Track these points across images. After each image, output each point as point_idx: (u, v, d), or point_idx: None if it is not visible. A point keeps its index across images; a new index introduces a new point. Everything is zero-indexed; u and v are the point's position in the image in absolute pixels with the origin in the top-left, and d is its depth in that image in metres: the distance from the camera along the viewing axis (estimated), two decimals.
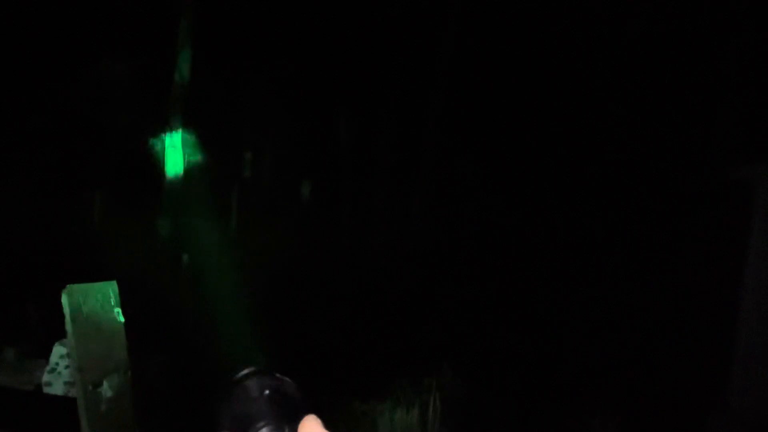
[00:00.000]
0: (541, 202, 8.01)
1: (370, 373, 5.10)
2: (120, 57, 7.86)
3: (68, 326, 3.34)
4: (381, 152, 9.14)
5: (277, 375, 0.56)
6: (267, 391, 0.54)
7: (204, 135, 8.03)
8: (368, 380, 4.80)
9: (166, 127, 7.76)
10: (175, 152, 7.69)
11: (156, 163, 7.80)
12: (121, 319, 3.77)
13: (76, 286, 3.43)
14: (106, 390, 3.70)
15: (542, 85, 8.12)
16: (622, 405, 4.21)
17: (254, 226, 8.22)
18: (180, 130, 7.77)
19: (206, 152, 8.02)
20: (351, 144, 9.37)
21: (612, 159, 7.83)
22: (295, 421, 0.52)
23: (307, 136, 9.08)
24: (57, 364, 3.75)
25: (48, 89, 7.52)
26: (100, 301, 3.74)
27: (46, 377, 3.74)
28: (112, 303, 3.84)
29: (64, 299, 3.33)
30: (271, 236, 7.68)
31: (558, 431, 4.26)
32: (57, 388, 3.72)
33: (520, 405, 4.73)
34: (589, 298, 6.62)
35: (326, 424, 0.51)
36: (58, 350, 3.75)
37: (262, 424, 0.52)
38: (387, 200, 8.94)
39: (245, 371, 0.57)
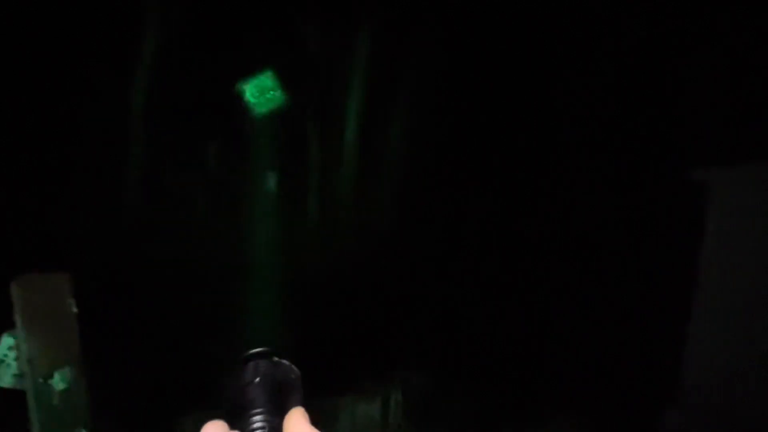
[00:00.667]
0: (501, 199, 8.12)
1: (331, 367, 5.08)
2: None
3: (17, 317, 3.21)
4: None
5: (275, 359, 0.54)
6: (259, 378, 0.53)
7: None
8: (329, 374, 4.78)
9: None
10: None
11: (110, 156, 7.56)
12: (75, 310, 3.65)
13: (26, 276, 3.31)
14: (58, 383, 3.58)
15: (503, 81, 8.20)
16: (581, 399, 4.31)
17: (218, 215, 8.08)
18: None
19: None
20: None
21: (567, 159, 7.97)
22: (287, 410, 0.50)
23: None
24: (5, 355, 3.59)
25: None
26: (52, 292, 3.62)
27: None
28: (65, 294, 3.73)
29: (14, 289, 3.20)
30: (232, 225, 7.55)
31: (518, 423, 4.32)
32: (5, 381, 3.57)
33: (482, 398, 4.79)
34: (550, 296, 6.75)
35: (312, 416, 0.49)
36: (6, 341, 3.60)
37: (255, 412, 0.50)
38: (353, 194, 8.91)
39: (248, 353, 0.55)
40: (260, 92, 6.89)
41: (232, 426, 0.50)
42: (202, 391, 3.76)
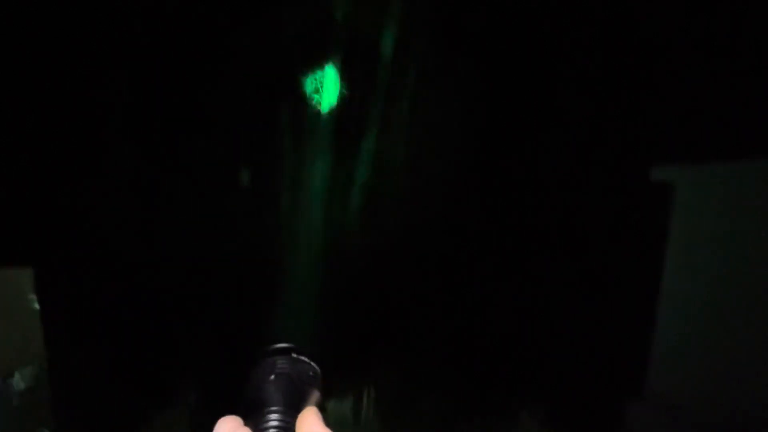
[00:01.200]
0: (461, 199, 8.20)
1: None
2: None
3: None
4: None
5: (294, 355, 0.53)
6: (273, 376, 0.53)
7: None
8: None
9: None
10: None
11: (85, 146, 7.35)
12: (36, 307, 3.55)
13: None
14: (18, 382, 3.48)
15: (468, 82, 8.27)
16: (548, 395, 4.38)
17: (183, 217, 7.94)
18: None
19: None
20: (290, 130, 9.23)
21: (529, 158, 8.09)
22: (302, 408, 0.49)
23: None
24: None
25: None
26: (12, 287, 3.52)
27: None
28: (26, 290, 3.62)
29: None
30: (197, 225, 7.44)
31: (487, 420, 4.37)
32: None
33: (451, 396, 4.83)
34: (514, 293, 6.85)
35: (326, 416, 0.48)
36: None
37: (271, 410, 0.50)
38: (326, 194, 8.89)
39: (268, 349, 0.55)
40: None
41: (248, 422, 0.49)
42: (171, 392, 3.69)
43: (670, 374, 3.82)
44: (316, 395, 0.51)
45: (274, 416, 0.48)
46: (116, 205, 6.85)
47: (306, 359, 0.53)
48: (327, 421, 0.48)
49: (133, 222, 6.70)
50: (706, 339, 3.57)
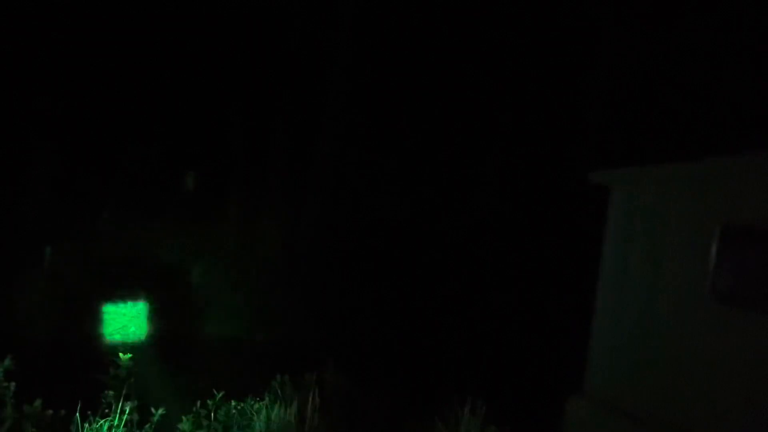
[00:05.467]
0: (413, 203, 8.24)
1: (247, 370, 4.95)
2: None
3: None
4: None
5: None
6: None
7: None
8: (245, 377, 4.65)
9: None
10: None
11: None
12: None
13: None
14: None
15: (414, 87, 8.32)
16: (488, 393, 4.45)
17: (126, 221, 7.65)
18: None
19: None
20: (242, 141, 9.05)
21: (470, 162, 8.22)
22: None
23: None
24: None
25: None
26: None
27: None
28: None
29: None
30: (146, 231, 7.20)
31: (430, 418, 4.39)
32: None
33: (397, 397, 4.84)
34: (459, 294, 6.93)
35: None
36: None
37: None
38: (275, 198, 8.74)
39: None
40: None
41: None
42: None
43: (606, 371, 3.95)
44: None
45: None
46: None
47: None
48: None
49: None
50: (639, 338, 3.71)
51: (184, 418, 3.77)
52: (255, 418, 4.02)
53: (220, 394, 3.89)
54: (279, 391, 4.28)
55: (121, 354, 3.64)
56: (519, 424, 4.28)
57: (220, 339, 6.21)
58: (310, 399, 4.23)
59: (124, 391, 3.52)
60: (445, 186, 8.20)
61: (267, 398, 4.21)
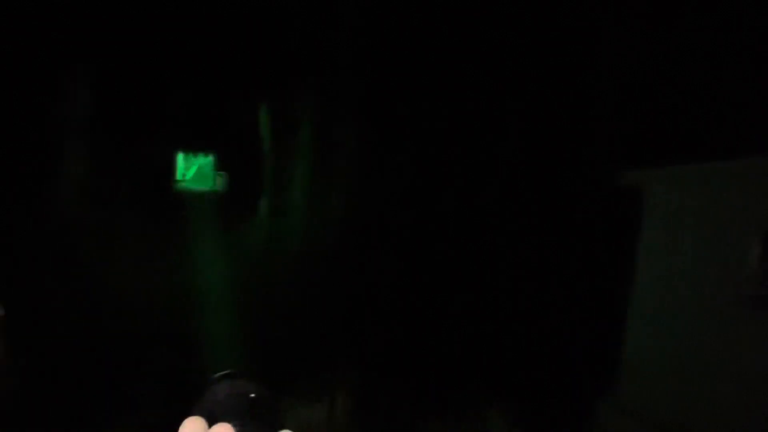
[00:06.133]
0: (433, 201, 8.19)
1: (274, 370, 4.96)
2: None
3: None
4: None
5: (243, 380, 0.59)
6: (231, 394, 0.57)
7: None
8: (272, 377, 4.66)
9: None
10: None
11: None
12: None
13: None
14: None
15: (437, 83, 8.26)
16: (518, 396, 4.38)
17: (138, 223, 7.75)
18: None
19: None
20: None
21: (497, 161, 8.12)
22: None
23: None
24: None
25: None
26: None
27: None
28: None
29: None
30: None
31: (458, 420, 4.35)
32: None
33: (423, 398, 4.80)
34: (487, 295, 6.85)
35: None
36: None
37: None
38: (293, 197, 8.79)
39: (219, 374, 0.60)
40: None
41: None
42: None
43: (638, 378, 3.84)
44: (266, 416, 0.57)
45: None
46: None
47: (255, 384, 0.59)
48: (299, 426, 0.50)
49: None
50: (673, 346, 3.60)
51: None
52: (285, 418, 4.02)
53: None
54: (305, 391, 4.29)
55: None
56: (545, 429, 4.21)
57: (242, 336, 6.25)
58: (337, 398, 4.23)
59: None
60: (475, 186, 8.14)
61: (292, 398, 4.21)
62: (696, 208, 3.57)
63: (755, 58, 6.15)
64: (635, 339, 3.92)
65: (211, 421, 0.54)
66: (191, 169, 6.27)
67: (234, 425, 0.53)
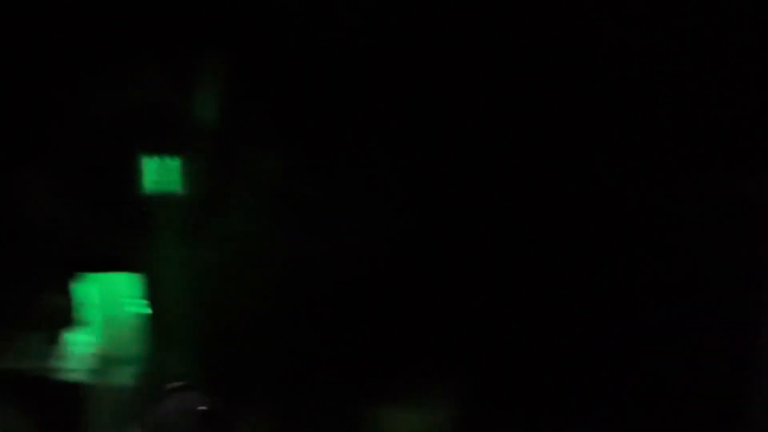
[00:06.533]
0: (541, 204, 7.98)
1: (381, 376, 5.01)
2: None
3: (90, 314, 3.24)
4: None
5: (198, 392, 0.59)
6: (187, 408, 0.57)
7: None
8: (379, 384, 4.71)
9: None
10: None
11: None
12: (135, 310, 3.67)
13: (100, 275, 3.34)
14: (114, 380, 3.60)
15: (536, 84, 8.08)
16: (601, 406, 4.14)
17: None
18: None
19: None
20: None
21: (609, 168, 7.85)
22: None
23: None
24: (69, 350, 3.64)
25: None
26: (117, 291, 3.65)
27: (56, 362, 3.64)
28: (124, 294, 3.75)
29: (88, 287, 3.23)
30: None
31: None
32: (68, 375, 3.61)
33: (532, 409, 4.69)
34: (610, 306, 6.54)
35: None
36: (72, 336, 3.65)
37: None
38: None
39: (172, 385, 0.60)
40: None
41: None
42: None
43: None
44: (213, 426, 0.56)
45: None
46: None
47: (209, 396, 0.59)
48: None
49: None
50: None
51: None
52: (395, 424, 4.04)
53: None
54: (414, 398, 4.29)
55: None
56: None
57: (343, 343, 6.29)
58: (444, 407, 4.22)
59: None
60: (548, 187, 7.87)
61: (401, 405, 4.23)
62: None
63: None
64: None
65: None
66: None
67: None
